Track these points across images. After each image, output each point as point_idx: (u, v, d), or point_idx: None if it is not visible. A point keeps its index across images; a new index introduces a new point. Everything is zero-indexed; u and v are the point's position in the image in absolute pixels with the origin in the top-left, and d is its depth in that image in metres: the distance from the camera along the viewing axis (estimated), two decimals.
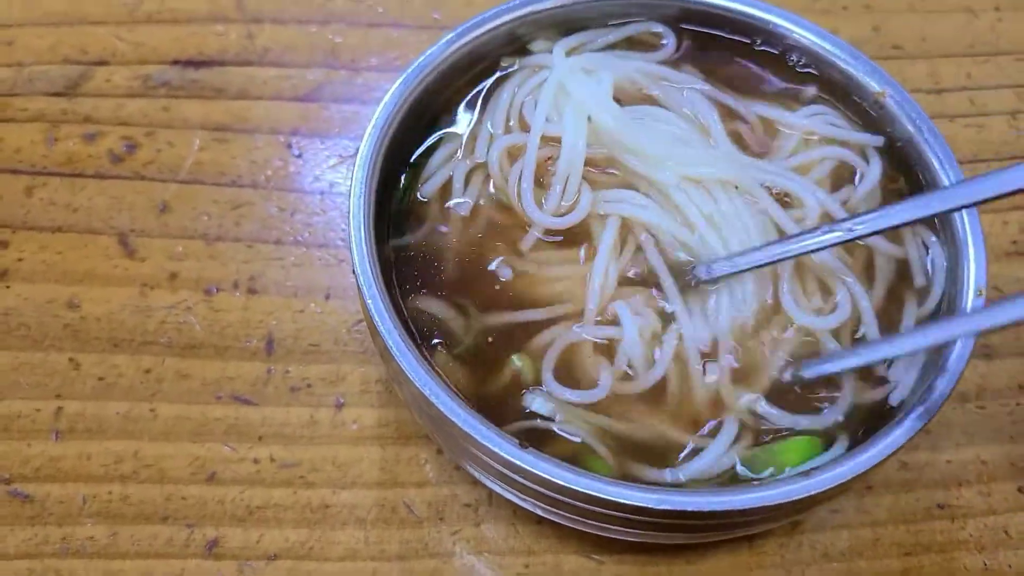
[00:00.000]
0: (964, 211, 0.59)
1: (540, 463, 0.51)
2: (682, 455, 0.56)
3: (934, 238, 0.62)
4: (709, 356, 0.58)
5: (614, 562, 0.64)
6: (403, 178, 0.64)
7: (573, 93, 0.63)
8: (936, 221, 0.62)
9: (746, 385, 0.58)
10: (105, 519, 0.64)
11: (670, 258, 0.61)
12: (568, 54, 0.66)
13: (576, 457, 0.55)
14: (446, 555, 0.64)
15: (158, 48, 0.84)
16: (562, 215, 0.62)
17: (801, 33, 0.67)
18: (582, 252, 0.61)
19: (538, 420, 0.57)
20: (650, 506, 0.50)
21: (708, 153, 0.63)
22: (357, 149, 0.60)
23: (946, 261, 0.62)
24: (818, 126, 0.66)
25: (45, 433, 0.67)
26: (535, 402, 0.57)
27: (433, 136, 0.65)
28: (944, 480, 0.68)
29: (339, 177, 0.79)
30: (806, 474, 0.52)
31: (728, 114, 0.66)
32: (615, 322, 0.59)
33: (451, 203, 0.63)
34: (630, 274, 0.61)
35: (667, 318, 0.59)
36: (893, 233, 0.62)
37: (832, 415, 0.58)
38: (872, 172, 0.65)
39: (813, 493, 0.51)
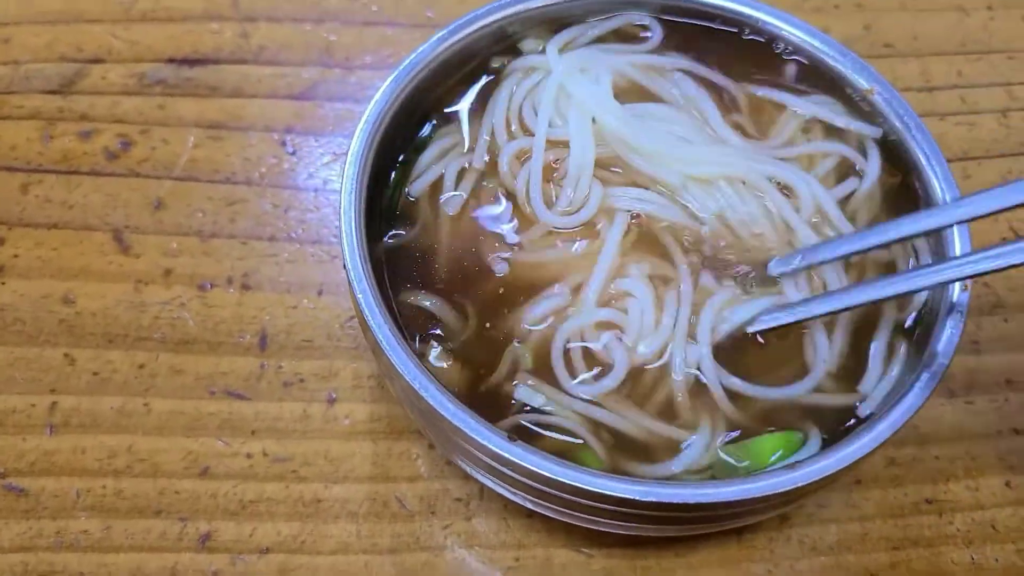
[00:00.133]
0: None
1: (528, 456, 0.52)
2: (674, 448, 0.57)
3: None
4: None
5: (604, 555, 0.64)
6: (393, 175, 0.64)
7: (574, 95, 0.64)
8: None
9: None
10: (99, 513, 0.65)
11: (684, 248, 0.61)
12: (560, 51, 0.67)
13: (568, 451, 0.55)
14: (437, 548, 0.64)
15: (153, 46, 0.84)
16: (571, 214, 0.62)
17: (790, 31, 0.68)
18: (584, 245, 0.61)
19: (530, 414, 0.57)
20: (636, 498, 0.50)
21: (711, 150, 0.63)
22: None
23: (931, 259, 0.62)
24: (824, 113, 0.66)
25: (40, 427, 0.68)
26: (526, 394, 0.57)
27: (424, 132, 0.66)
28: (932, 475, 0.68)
29: (333, 174, 0.79)
30: (792, 467, 0.52)
31: (723, 102, 0.67)
32: (617, 312, 0.59)
33: (443, 198, 0.63)
34: (636, 266, 0.61)
35: (668, 307, 0.59)
36: None
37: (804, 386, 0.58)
38: (871, 168, 0.65)
39: (799, 485, 0.52)
